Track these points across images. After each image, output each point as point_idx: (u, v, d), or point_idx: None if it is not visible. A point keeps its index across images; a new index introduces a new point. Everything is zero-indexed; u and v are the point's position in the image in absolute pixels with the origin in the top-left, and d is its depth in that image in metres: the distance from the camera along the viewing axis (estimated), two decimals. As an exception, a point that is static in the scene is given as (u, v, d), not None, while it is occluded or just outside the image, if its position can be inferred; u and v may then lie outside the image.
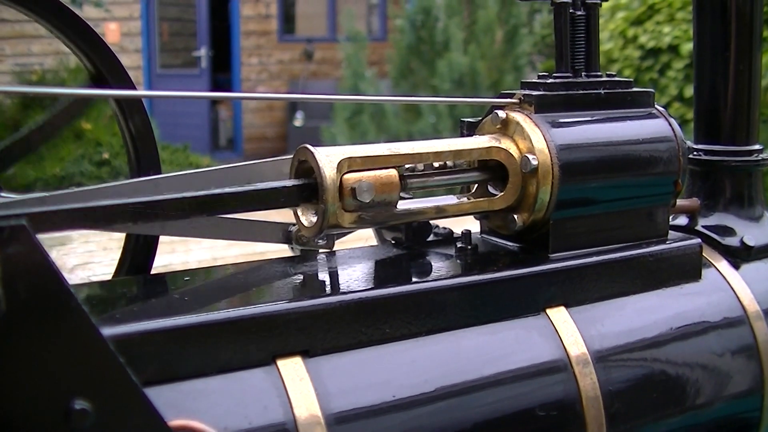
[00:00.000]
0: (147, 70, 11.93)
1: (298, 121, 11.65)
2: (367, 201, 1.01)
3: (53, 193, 0.98)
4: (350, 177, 1.00)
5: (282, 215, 1.11)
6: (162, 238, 1.19)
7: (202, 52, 12.26)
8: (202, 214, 0.96)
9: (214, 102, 12.42)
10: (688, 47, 6.23)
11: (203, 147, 11.50)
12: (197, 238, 1.23)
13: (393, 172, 1.03)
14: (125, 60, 10.97)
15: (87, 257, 6.11)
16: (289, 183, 1.01)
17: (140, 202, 0.91)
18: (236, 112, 12.51)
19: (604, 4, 1.18)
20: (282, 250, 1.27)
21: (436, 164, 1.10)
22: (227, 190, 0.97)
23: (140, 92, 1.05)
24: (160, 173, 1.17)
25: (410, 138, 1.17)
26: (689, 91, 6.03)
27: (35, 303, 0.71)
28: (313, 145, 1.01)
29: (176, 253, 5.75)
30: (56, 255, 6.04)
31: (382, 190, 1.02)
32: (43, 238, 0.99)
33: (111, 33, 11.22)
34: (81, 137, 8.95)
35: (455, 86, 8.49)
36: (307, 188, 1.00)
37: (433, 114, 8.42)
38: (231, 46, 12.47)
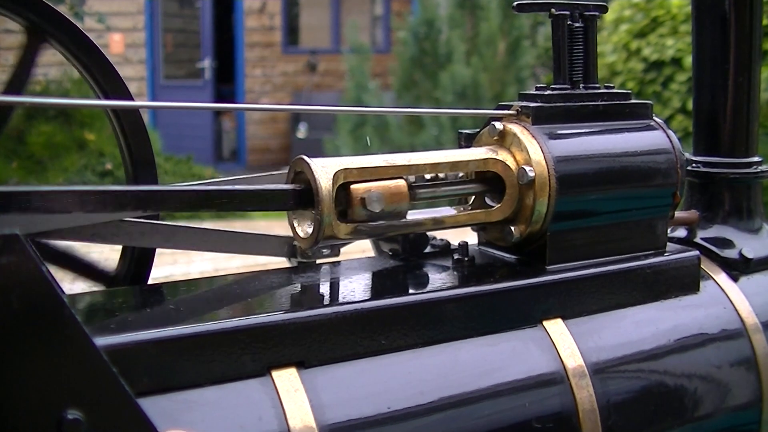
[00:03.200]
0: (151, 81, 11.96)
1: (302, 132, 11.67)
2: (377, 211, 1.01)
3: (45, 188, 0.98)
4: (360, 187, 1.01)
5: (286, 228, 1.11)
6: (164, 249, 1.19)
7: (206, 64, 12.30)
8: (201, 209, 0.96)
9: (218, 113, 12.45)
10: (691, 60, 6.22)
11: (207, 158, 11.52)
12: (201, 251, 1.23)
13: (402, 183, 1.04)
14: (129, 71, 11.06)
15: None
16: (287, 186, 1.01)
17: (142, 190, 0.91)
18: (240, 123, 12.53)
19: (608, 17, 1.18)
20: (283, 262, 1.27)
21: (440, 175, 1.11)
22: (227, 187, 0.97)
23: (143, 103, 1.05)
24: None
25: (412, 150, 1.18)
26: (692, 105, 6.02)
27: (28, 313, 0.71)
28: (311, 157, 1.01)
29: (178, 264, 5.76)
30: (59, 265, 6.02)
31: (392, 200, 1.02)
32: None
33: (115, 44, 11.26)
34: (84, 148, 8.96)
35: (458, 98, 8.50)
36: (304, 194, 1.00)
37: (435, 126, 8.42)
38: (235, 58, 12.50)
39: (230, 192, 0.98)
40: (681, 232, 1.43)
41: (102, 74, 1.14)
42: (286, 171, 1.06)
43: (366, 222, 1.03)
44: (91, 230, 1.08)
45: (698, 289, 1.28)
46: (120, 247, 1.16)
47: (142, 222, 1.12)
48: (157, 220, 1.19)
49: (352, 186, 1.01)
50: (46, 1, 1.08)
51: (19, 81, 1.10)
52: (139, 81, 11.57)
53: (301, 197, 1.00)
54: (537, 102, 1.17)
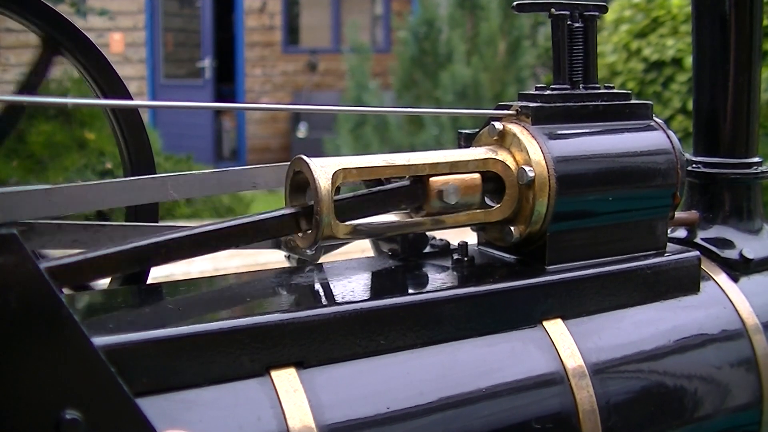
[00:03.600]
0: (151, 80, 11.96)
1: (302, 132, 11.67)
2: (453, 203, 1.07)
3: (36, 187, 0.98)
4: (438, 180, 1.06)
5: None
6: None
7: (206, 63, 12.30)
8: (206, 251, 0.97)
9: (218, 113, 12.44)
10: (691, 60, 6.22)
11: (207, 157, 11.52)
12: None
13: (477, 176, 1.09)
14: (129, 70, 11.06)
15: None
16: (289, 211, 1.02)
17: (138, 246, 0.92)
18: (240, 123, 12.53)
19: (608, 17, 1.18)
20: (282, 261, 1.27)
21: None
22: (227, 224, 0.98)
23: (143, 102, 1.05)
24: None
25: (412, 150, 1.18)
26: (692, 105, 6.01)
27: (26, 313, 0.71)
28: (310, 156, 1.01)
29: (178, 264, 5.74)
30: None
31: (466, 192, 1.08)
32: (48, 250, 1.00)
33: (115, 43, 11.26)
34: (84, 147, 8.96)
35: (458, 98, 8.50)
36: (302, 214, 1.02)
37: (436, 126, 8.42)
38: (235, 57, 12.49)
39: (238, 227, 0.98)
40: (681, 233, 1.43)
41: (100, 73, 1.14)
42: (287, 164, 1.06)
43: (441, 214, 1.08)
44: (71, 236, 1.08)
45: (698, 290, 1.28)
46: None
47: (123, 225, 1.12)
48: (156, 218, 1.19)
49: (431, 179, 1.06)
50: (60, 12, 1.09)
51: (29, 87, 1.11)
52: (140, 80, 11.57)
53: (306, 216, 1.01)
54: (537, 102, 1.17)
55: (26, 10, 1.08)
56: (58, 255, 0.92)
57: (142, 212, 1.18)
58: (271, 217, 1.01)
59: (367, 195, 1.05)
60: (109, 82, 1.15)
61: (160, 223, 1.17)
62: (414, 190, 1.07)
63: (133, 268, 0.97)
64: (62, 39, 1.11)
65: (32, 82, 1.11)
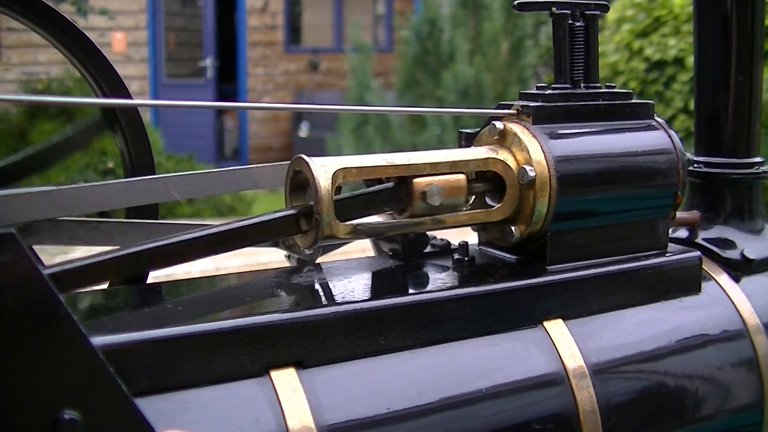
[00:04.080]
0: (153, 79, 11.96)
1: (303, 131, 11.67)
2: (437, 204, 1.05)
3: (37, 189, 0.98)
4: (421, 181, 1.04)
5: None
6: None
7: (208, 62, 12.30)
8: (207, 255, 0.97)
9: (220, 112, 12.44)
10: (693, 60, 6.21)
11: (208, 157, 11.52)
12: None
13: (462, 177, 1.07)
14: (131, 69, 11.06)
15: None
16: (290, 211, 1.02)
17: (139, 251, 0.92)
18: (242, 122, 12.53)
19: (610, 17, 1.18)
20: (283, 261, 1.26)
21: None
22: (227, 227, 0.98)
23: (143, 101, 1.05)
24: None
25: (414, 149, 1.18)
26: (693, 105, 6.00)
27: (24, 313, 0.70)
28: (312, 156, 1.01)
29: (179, 263, 5.73)
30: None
31: (450, 194, 1.06)
32: (47, 246, 1.00)
33: (117, 42, 11.26)
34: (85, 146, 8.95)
35: (460, 98, 8.49)
36: (303, 215, 1.01)
37: (438, 126, 8.42)
38: (237, 57, 12.50)
39: (240, 229, 0.98)
40: (682, 233, 1.43)
41: (100, 73, 1.14)
42: (288, 163, 1.06)
43: (425, 216, 1.06)
44: (68, 233, 1.08)
45: (699, 290, 1.27)
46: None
47: (119, 222, 1.12)
48: (157, 219, 1.19)
49: (414, 180, 1.04)
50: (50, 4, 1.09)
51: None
52: (141, 80, 11.57)
53: (303, 218, 1.01)
54: (537, 101, 1.16)
55: (28, 10, 1.08)
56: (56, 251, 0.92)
57: (143, 211, 1.18)
58: (271, 218, 1.01)
59: (349, 198, 1.04)
60: (110, 83, 1.15)
61: (157, 221, 1.17)
62: (398, 191, 1.06)
63: (133, 272, 0.96)
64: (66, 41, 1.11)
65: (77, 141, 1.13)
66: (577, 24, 1.20)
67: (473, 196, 1.16)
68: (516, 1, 1.19)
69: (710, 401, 1.22)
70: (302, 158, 1.00)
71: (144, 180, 1.13)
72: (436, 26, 9.06)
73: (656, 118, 1.25)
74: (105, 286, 1.18)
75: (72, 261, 0.87)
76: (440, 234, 1.22)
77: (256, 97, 12.25)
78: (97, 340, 0.79)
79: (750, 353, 1.27)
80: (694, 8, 1.46)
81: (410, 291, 1.09)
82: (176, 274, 1.16)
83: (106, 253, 0.91)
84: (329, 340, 0.95)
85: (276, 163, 1.23)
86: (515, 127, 1.13)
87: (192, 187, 1.17)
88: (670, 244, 1.26)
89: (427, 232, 1.21)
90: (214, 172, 1.20)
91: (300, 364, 0.93)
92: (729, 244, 1.38)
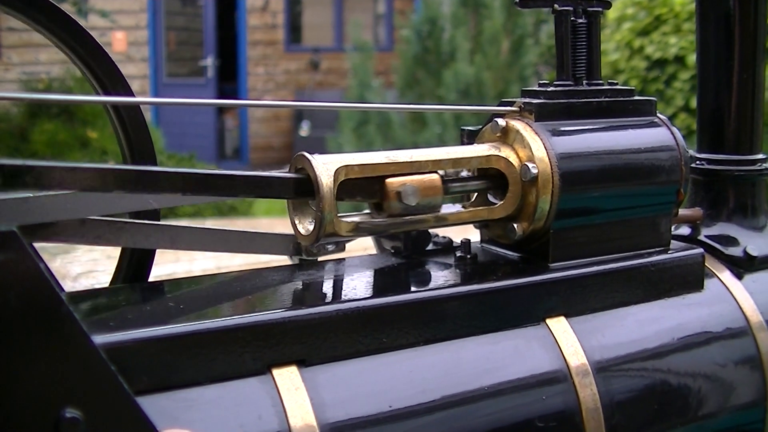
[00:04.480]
0: (153, 79, 11.97)
1: (304, 130, 11.68)
2: (413, 204, 1.03)
3: (44, 194, 0.98)
4: (395, 181, 1.02)
5: (288, 226, 1.11)
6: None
7: (209, 62, 12.30)
8: (194, 193, 0.95)
9: (221, 111, 12.45)
10: (694, 58, 6.21)
11: (209, 156, 11.53)
12: (204, 251, 1.23)
13: (436, 176, 1.05)
14: (132, 69, 11.07)
15: (91, 266, 6.11)
16: (287, 175, 1.01)
17: (140, 169, 0.91)
18: (242, 121, 12.54)
19: (611, 15, 1.18)
20: (285, 259, 1.26)
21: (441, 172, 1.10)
22: (227, 172, 0.97)
23: (144, 99, 1.05)
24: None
25: (415, 148, 1.17)
26: (696, 102, 6.00)
27: (26, 311, 0.70)
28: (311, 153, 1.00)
29: (180, 263, 5.75)
30: (60, 263, 6.04)
31: (426, 194, 1.04)
32: (48, 245, 0.99)
33: (118, 42, 11.27)
34: (87, 146, 8.97)
35: (461, 96, 8.50)
36: (303, 183, 0.99)
37: (438, 124, 8.42)
38: (237, 56, 12.50)
39: (230, 177, 0.97)
40: (685, 230, 1.42)
41: (103, 71, 1.14)
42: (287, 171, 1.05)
43: (401, 216, 1.04)
44: (94, 233, 1.07)
45: (702, 287, 1.27)
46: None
47: (145, 223, 1.12)
48: (158, 219, 1.18)
49: (388, 180, 1.02)
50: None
51: None
52: (142, 79, 11.58)
53: (301, 186, 1.00)
54: (540, 98, 1.16)
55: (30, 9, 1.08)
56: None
57: (144, 211, 1.18)
58: (268, 175, 1.00)
59: None
60: (112, 80, 1.14)
61: (146, 222, 1.17)
62: (372, 184, 1.04)
63: (122, 188, 0.93)
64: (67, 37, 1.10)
65: None
66: (579, 21, 1.20)
67: (475, 194, 1.16)
68: None
69: (713, 399, 1.22)
70: (304, 155, 1.00)
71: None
72: (437, 25, 9.06)
73: (659, 114, 1.24)
74: (106, 285, 1.18)
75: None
76: (442, 231, 1.22)
77: (257, 96, 12.25)
78: (99, 339, 0.78)
79: (753, 351, 1.26)
80: (697, 6, 1.46)
81: (412, 289, 1.09)
82: (178, 273, 1.15)
83: (97, 165, 0.89)
84: (331, 338, 0.95)
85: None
86: (517, 124, 1.13)
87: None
88: (672, 241, 1.26)
89: (429, 230, 1.20)
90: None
91: (302, 362, 0.93)
92: (732, 241, 1.38)
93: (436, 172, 1.06)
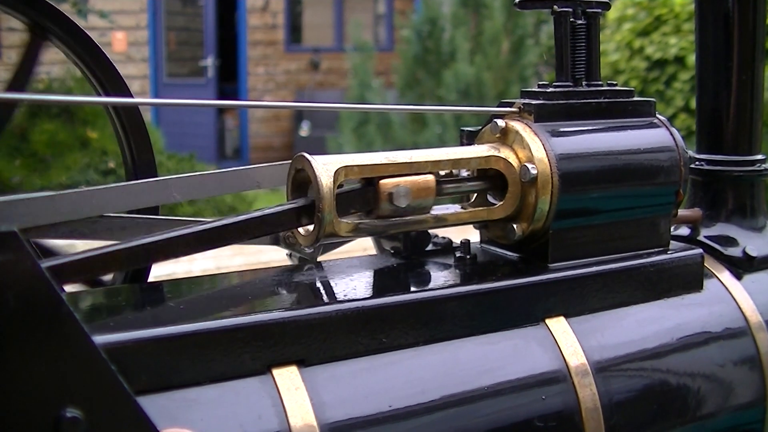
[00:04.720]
0: (154, 79, 11.95)
1: (304, 131, 11.67)
2: (404, 206, 1.03)
3: (39, 195, 0.98)
4: (388, 182, 1.02)
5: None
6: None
7: (209, 62, 12.29)
8: (209, 248, 0.97)
9: (221, 111, 12.44)
10: (694, 58, 6.20)
11: (209, 156, 11.51)
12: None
13: (430, 177, 1.05)
14: (132, 69, 11.05)
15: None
16: (290, 206, 1.01)
17: (141, 244, 0.92)
18: (243, 121, 12.52)
19: (611, 16, 1.18)
20: (285, 260, 1.26)
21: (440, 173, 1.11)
22: (230, 220, 0.98)
23: (144, 100, 1.05)
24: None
25: (415, 148, 1.18)
26: (695, 103, 5.99)
27: (26, 311, 0.70)
28: (312, 154, 1.01)
29: (180, 263, 5.75)
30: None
31: (419, 195, 1.04)
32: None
33: (118, 42, 11.26)
34: (87, 146, 8.96)
35: (461, 96, 8.49)
36: (308, 208, 1.00)
37: (439, 124, 8.41)
38: (238, 56, 12.49)
39: (240, 223, 0.98)
40: (684, 230, 1.43)
41: (102, 72, 1.14)
42: (289, 162, 1.05)
43: (392, 217, 1.04)
44: (69, 227, 1.08)
45: (701, 288, 1.27)
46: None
47: (121, 216, 1.12)
48: (157, 214, 1.19)
49: (381, 181, 1.02)
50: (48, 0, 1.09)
51: (21, 79, 1.10)
52: (142, 79, 11.57)
53: (306, 211, 1.01)
54: (539, 99, 1.16)
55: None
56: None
57: (144, 210, 1.18)
58: (272, 212, 1.00)
59: None
60: (111, 80, 1.15)
61: (157, 216, 1.17)
62: (365, 193, 1.05)
63: (135, 264, 0.96)
64: (49, 25, 1.10)
65: (22, 73, 1.11)
66: (579, 22, 1.20)
67: (475, 194, 1.16)
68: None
69: (712, 399, 1.22)
70: (304, 156, 1.00)
71: (145, 183, 1.13)
72: (437, 25, 9.05)
73: (658, 115, 1.25)
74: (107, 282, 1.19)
75: (71, 255, 0.88)
76: (442, 232, 1.22)
77: (257, 97, 12.23)
78: (100, 339, 0.79)
79: (752, 351, 1.27)
80: (696, 7, 1.46)
81: (412, 289, 1.09)
82: (177, 273, 1.16)
83: (106, 247, 0.91)
84: (331, 338, 0.95)
85: (277, 163, 1.23)
86: (517, 125, 1.13)
87: (193, 188, 1.17)
88: (672, 241, 1.26)
89: (429, 230, 1.20)
90: (216, 173, 1.20)
91: (302, 362, 0.93)
92: (731, 241, 1.38)
93: (433, 173, 1.06)
